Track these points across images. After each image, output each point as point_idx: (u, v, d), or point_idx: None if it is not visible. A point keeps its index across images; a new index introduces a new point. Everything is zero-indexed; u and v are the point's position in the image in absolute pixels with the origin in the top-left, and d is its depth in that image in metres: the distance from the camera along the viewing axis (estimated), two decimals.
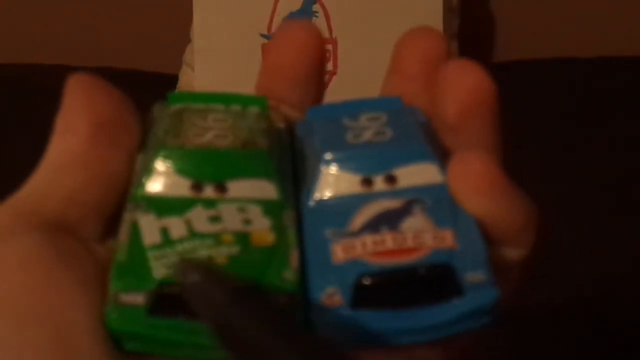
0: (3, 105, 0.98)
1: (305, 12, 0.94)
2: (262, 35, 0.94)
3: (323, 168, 0.25)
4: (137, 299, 0.23)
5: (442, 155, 0.25)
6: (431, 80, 0.26)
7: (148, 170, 0.25)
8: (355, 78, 0.91)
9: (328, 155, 0.25)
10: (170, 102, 0.27)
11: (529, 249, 0.25)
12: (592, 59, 1.05)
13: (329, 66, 0.93)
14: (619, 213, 0.82)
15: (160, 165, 0.25)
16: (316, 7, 0.94)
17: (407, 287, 0.24)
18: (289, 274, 0.24)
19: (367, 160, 0.25)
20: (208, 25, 0.94)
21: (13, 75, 1.03)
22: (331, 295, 0.24)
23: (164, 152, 0.25)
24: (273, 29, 0.94)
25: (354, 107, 0.27)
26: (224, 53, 0.93)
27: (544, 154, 0.90)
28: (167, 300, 0.23)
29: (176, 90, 0.94)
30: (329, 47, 0.93)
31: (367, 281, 0.24)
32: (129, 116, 0.26)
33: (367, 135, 0.26)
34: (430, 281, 0.24)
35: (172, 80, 1.00)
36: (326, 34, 0.93)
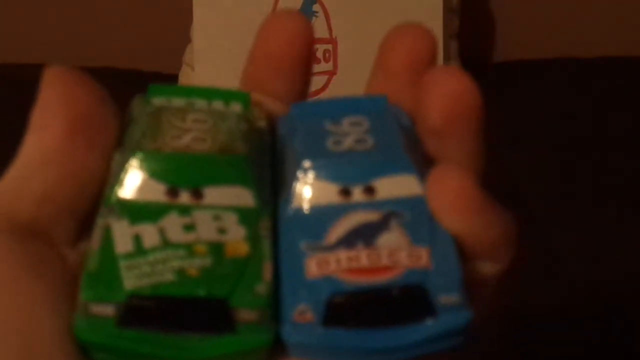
0: (3, 105, 0.98)
1: (305, 12, 0.93)
2: None
3: (301, 176, 0.25)
4: (107, 310, 0.23)
5: (423, 163, 0.25)
6: (416, 79, 0.26)
7: (123, 174, 0.24)
8: (355, 78, 0.90)
9: (307, 163, 0.25)
10: (151, 95, 0.26)
11: (505, 264, 0.25)
12: (592, 59, 1.05)
13: (329, 66, 0.93)
14: (619, 213, 0.82)
15: (135, 168, 0.24)
16: (316, 7, 0.94)
17: (379, 307, 0.24)
18: (261, 288, 0.24)
19: (346, 170, 0.25)
20: (208, 25, 0.94)
21: (13, 75, 1.03)
22: (303, 312, 0.24)
23: (139, 155, 0.24)
24: None
25: (338, 108, 0.26)
26: (224, 53, 0.93)
27: (543, 153, 0.90)
28: (137, 312, 0.23)
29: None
30: (329, 47, 0.93)
31: (339, 300, 0.23)
32: (107, 112, 0.25)
33: (348, 143, 0.25)
34: (403, 302, 0.24)
35: (172, 80, 1.00)
36: (326, 34, 0.93)
